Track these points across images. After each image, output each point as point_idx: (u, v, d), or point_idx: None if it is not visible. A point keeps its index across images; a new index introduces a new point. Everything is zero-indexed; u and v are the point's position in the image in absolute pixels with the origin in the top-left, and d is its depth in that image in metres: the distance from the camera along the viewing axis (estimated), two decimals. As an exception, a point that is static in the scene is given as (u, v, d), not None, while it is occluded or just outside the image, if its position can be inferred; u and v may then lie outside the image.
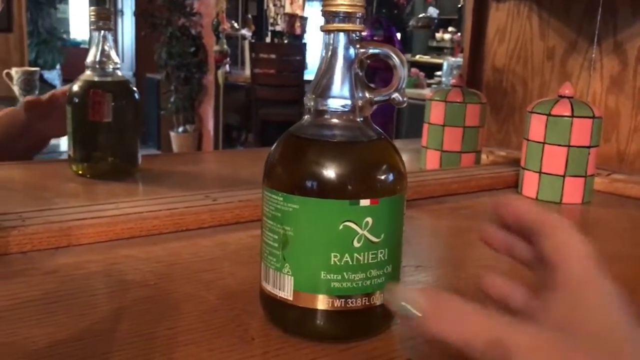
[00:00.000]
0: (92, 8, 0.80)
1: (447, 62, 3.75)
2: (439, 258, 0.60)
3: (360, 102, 0.38)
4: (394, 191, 0.37)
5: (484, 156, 0.98)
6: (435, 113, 0.92)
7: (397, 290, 0.29)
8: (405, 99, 0.39)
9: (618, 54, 0.93)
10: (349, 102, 0.37)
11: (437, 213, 0.73)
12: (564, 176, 0.77)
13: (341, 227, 0.35)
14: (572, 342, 0.27)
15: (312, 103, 0.38)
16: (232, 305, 0.43)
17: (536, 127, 0.78)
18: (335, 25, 0.37)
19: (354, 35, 0.37)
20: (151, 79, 4.55)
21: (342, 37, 0.37)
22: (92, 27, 0.80)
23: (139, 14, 4.42)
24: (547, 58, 1.02)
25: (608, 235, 0.70)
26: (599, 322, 0.28)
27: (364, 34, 0.38)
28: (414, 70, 4.00)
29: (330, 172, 0.36)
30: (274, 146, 0.39)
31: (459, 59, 3.86)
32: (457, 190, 0.81)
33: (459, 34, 4.77)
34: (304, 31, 5.99)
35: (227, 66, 4.31)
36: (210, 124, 4.29)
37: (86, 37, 7.46)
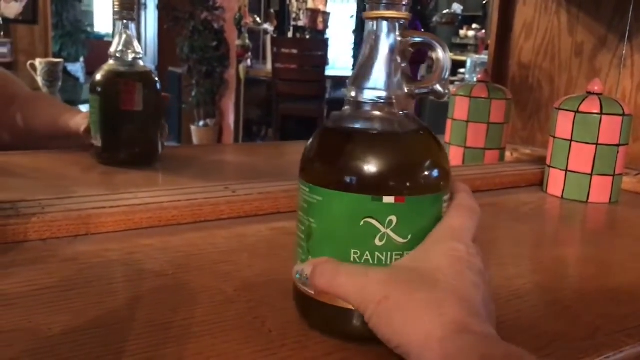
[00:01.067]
0: (115, -5, 0.80)
1: (470, 59, 3.71)
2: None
3: (399, 94, 0.36)
4: (424, 190, 0.35)
5: (508, 153, 0.96)
6: (460, 108, 0.90)
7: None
8: (447, 91, 0.37)
9: (649, 51, 0.90)
10: (384, 93, 0.36)
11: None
12: (591, 175, 0.75)
13: (362, 223, 0.34)
14: (402, 276, 0.33)
15: (350, 93, 0.37)
16: (249, 298, 0.42)
17: (563, 124, 0.76)
18: (378, 12, 0.36)
19: (397, 23, 0.36)
20: (173, 73, 4.56)
21: (384, 25, 0.36)
22: (115, 17, 0.80)
23: (162, 7, 4.44)
24: (575, 54, 1.00)
25: (636, 235, 0.68)
26: (433, 263, 0.34)
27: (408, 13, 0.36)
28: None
29: (352, 165, 0.35)
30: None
31: (482, 56, 3.81)
32: (481, 187, 0.80)
33: (483, 31, 4.72)
34: (326, 26, 5.97)
35: (249, 60, 4.31)
36: (230, 119, 4.30)
37: (110, 31, 7.52)
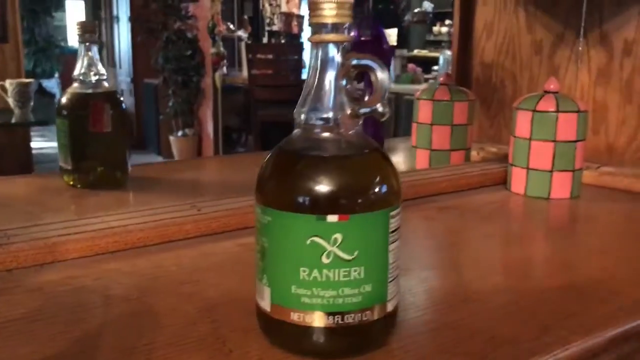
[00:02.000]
0: (77, 21, 0.81)
1: (443, 56, 3.74)
2: (426, 260, 0.60)
3: (344, 115, 0.37)
4: (368, 207, 0.36)
5: (474, 152, 0.98)
6: (423, 112, 0.92)
7: None
8: (387, 110, 0.38)
9: (604, 46, 0.93)
10: (331, 115, 0.37)
11: (425, 213, 0.73)
12: (551, 171, 0.77)
13: (309, 242, 0.35)
14: None
15: (297, 116, 0.38)
16: (213, 318, 0.44)
17: (522, 123, 0.78)
18: (320, 36, 0.37)
19: (339, 46, 0.37)
20: (149, 84, 4.55)
21: (328, 48, 0.37)
22: (78, 40, 0.80)
23: (134, 19, 4.43)
24: (535, 52, 1.02)
25: (596, 231, 0.70)
26: None
27: (351, 34, 0.38)
28: (411, 66, 3.99)
29: (296, 186, 0.36)
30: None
31: (455, 53, 3.85)
32: (447, 189, 0.82)
33: (456, 26, 4.74)
34: (301, 30, 5.98)
35: (225, 68, 4.31)
36: (209, 127, 4.29)
37: (84, 44, 7.45)
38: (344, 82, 0.38)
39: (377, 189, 0.37)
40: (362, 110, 0.38)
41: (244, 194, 0.70)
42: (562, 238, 0.68)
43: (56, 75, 5.50)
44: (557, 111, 0.76)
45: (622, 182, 0.82)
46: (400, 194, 0.38)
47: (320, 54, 0.38)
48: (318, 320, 0.36)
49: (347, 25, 0.37)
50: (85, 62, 0.81)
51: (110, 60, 5.10)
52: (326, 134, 0.38)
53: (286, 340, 0.38)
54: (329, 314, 0.36)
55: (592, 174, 0.84)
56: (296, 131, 0.39)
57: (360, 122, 0.38)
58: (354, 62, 0.37)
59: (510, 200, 0.80)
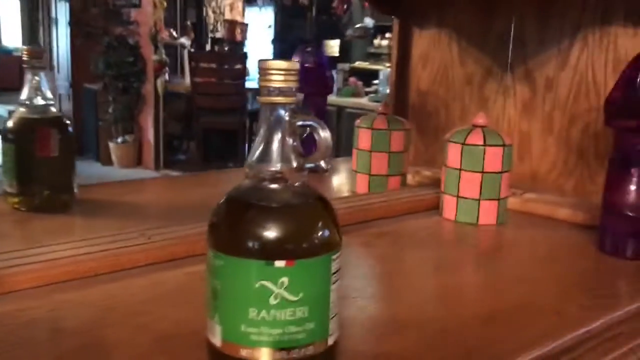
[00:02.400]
0: (24, 47, 0.81)
1: (382, 72, 3.86)
2: (363, 288, 0.65)
3: (290, 168, 0.41)
4: (312, 253, 0.40)
5: (410, 176, 1.04)
6: (363, 139, 0.97)
7: None
8: (329, 166, 0.43)
9: (529, 81, 1.01)
10: (278, 167, 0.41)
11: (363, 239, 0.78)
12: (479, 200, 0.84)
13: (257, 285, 0.39)
14: None
15: (248, 168, 0.42)
16: (164, 350, 0.46)
17: (453, 154, 0.84)
18: (269, 98, 0.41)
19: (287, 107, 0.41)
20: (88, 89, 4.46)
21: (276, 109, 0.41)
22: (25, 66, 0.81)
23: (74, 23, 4.33)
24: (466, 83, 1.09)
25: (519, 257, 0.76)
26: None
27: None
28: (352, 79, 4.08)
29: (247, 234, 0.40)
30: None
31: (395, 67, 3.96)
32: (384, 214, 0.87)
33: (396, 40, 4.88)
34: (244, 37, 5.99)
35: (167, 75, 4.28)
36: (150, 134, 4.25)
37: (18, 45, 7.21)
38: (290, 140, 0.42)
39: (319, 235, 0.41)
40: (307, 165, 0.42)
41: (190, 220, 0.73)
42: (488, 264, 0.74)
43: (-12, 76, 5.29)
44: (485, 145, 0.82)
45: (543, 209, 0.89)
46: (340, 238, 0.43)
47: (268, 113, 0.42)
48: (266, 356, 0.40)
49: (293, 88, 0.41)
50: (32, 87, 0.82)
51: (48, 64, 4.96)
52: (274, 185, 0.42)
53: (236, 374, 0.42)
54: (275, 349, 0.40)
55: (517, 200, 0.91)
56: (246, 181, 0.43)
57: (305, 174, 0.43)
58: (300, 122, 0.42)
59: (442, 225, 0.85)
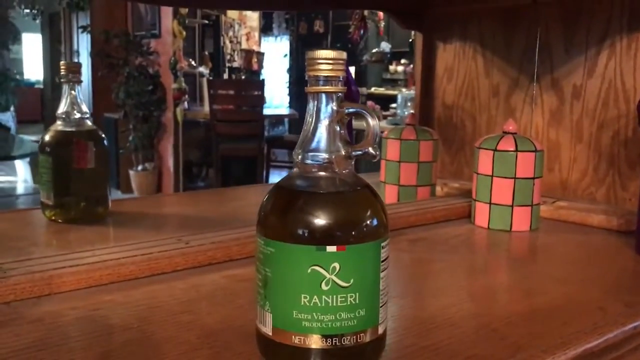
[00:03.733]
0: (62, 62, 0.84)
1: (401, 95, 3.88)
2: (402, 288, 0.64)
3: (338, 156, 0.42)
4: (362, 239, 0.40)
5: (438, 188, 1.04)
6: (391, 150, 0.98)
7: None
8: (378, 152, 0.43)
9: (556, 90, 1.01)
10: (326, 155, 0.42)
11: (397, 245, 0.78)
12: (512, 206, 0.83)
13: (309, 270, 0.39)
14: None
15: (296, 156, 0.42)
16: (212, 344, 0.47)
17: (484, 161, 0.84)
18: (317, 87, 0.42)
19: (334, 96, 0.42)
20: (109, 118, 4.53)
21: (323, 97, 0.42)
22: (62, 80, 0.83)
23: (95, 54, 4.43)
24: (492, 95, 1.10)
25: (555, 260, 0.76)
26: None
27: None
28: (370, 103, 4.10)
29: (299, 220, 0.40)
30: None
31: (412, 92, 3.99)
32: (415, 222, 0.87)
33: (411, 65, 4.94)
34: (261, 66, 6.07)
35: (186, 103, 4.34)
36: (170, 161, 4.29)
37: (40, 77, 7.37)
38: (337, 127, 0.42)
39: (369, 222, 0.41)
40: (355, 152, 0.42)
41: (226, 227, 0.74)
42: (524, 267, 0.74)
43: (12, 108, 5.41)
44: (517, 150, 0.82)
45: (576, 216, 0.89)
46: (388, 226, 0.43)
47: (316, 102, 0.42)
48: (317, 342, 0.40)
49: (340, 77, 0.42)
50: (69, 101, 0.84)
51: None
52: (322, 173, 0.42)
53: (286, 362, 0.42)
54: (327, 336, 0.40)
55: (549, 208, 0.91)
56: (294, 170, 0.43)
57: (352, 162, 0.43)
58: (348, 110, 0.42)
59: (474, 233, 0.85)
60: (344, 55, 0.42)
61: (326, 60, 0.41)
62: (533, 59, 1.03)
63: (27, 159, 4.12)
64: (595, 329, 0.51)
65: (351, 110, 0.42)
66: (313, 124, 0.42)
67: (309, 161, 0.42)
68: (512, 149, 0.82)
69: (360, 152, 0.42)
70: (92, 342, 0.48)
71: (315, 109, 0.42)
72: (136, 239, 0.69)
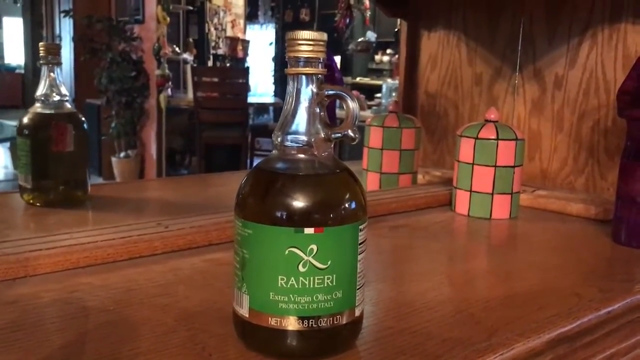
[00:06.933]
0: (41, 43, 0.82)
1: (385, 84, 3.88)
2: (381, 273, 0.65)
3: (318, 138, 0.42)
4: (340, 221, 0.40)
5: (420, 176, 1.04)
6: (374, 138, 0.98)
7: None
8: (357, 135, 0.43)
9: (538, 80, 1.01)
10: (305, 138, 0.41)
11: (378, 231, 0.78)
12: (492, 194, 0.84)
13: (287, 252, 0.39)
14: None
15: (276, 139, 0.42)
16: (189, 326, 0.46)
17: (465, 149, 0.85)
18: (297, 69, 0.41)
19: (314, 77, 0.42)
20: (91, 104, 4.48)
21: (303, 79, 0.42)
22: (41, 62, 0.82)
23: (77, 39, 4.37)
24: (475, 83, 1.10)
25: (533, 247, 0.76)
26: None
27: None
28: (355, 92, 4.09)
29: (277, 202, 0.40)
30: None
31: (397, 81, 4.00)
32: (396, 209, 0.87)
33: (397, 56, 4.94)
34: (246, 54, 6.04)
35: (169, 90, 4.30)
36: (153, 148, 4.25)
37: (21, 62, 7.26)
38: (317, 110, 0.42)
39: (347, 205, 0.41)
40: (334, 135, 0.42)
41: (206, 212, 0.73)
42: (502, 253, 0.74)
43: (-9, 92, 5.32)
44: (497, 139, 0.83)
45: (555, 204, 0.90)
46: (366, 209, 0.43)
47: (296, 84, 0.42)
48: (293, 324, 0.40)
49: (320, 59, 0.42)
50: (48, 83, 0.83)
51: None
52: (301, 155, 0.42)
53: (263, 344, 0.42)
54: (303, 318, 0.40)
55: (529, 196, 0.92)
56: (274, 152, 0.43)
57: (332, 145, 0.43)
58: (328, 92, 0.42)
59: (455, 220, 0.86)
60: (325, 36, 0.42)
61: (306, 41, 0.41)
62: (516, 49, 1.04)
63: (7, 145, 4.06)
64: (570, 314, 0.52)
65: (331, 92, 0.42)
66: (293, 105, 0.42)
67: (288, 143, 0.42)
68: (493, 137, 0.83)
69: (339, 135, 0.42)
70: (68, 323, 0.47)
71: (295, 90, 0.42)
72: (115, 223, 0.69)
